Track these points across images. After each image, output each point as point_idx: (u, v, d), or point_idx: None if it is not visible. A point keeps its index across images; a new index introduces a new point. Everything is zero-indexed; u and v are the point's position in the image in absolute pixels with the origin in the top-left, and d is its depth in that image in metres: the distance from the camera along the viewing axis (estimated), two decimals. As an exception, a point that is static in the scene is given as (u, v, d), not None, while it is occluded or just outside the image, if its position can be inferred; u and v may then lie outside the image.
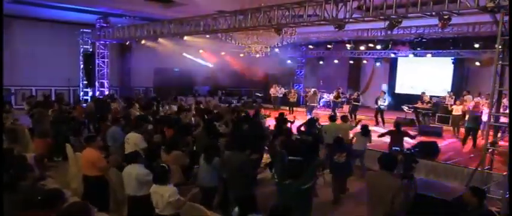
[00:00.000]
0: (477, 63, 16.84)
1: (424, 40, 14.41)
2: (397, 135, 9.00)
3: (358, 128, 9.51)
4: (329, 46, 18.35)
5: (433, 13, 7.26)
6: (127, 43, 16.70)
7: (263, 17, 10.12)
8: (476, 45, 15.22)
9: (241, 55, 20.37)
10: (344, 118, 9.98)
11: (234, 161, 5.78)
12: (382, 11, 7.87)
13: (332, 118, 9.80)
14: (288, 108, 18.91)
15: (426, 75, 19.06)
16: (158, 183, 4.90)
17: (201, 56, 20.46)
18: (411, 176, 5.09)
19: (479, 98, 13.89)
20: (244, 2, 11.11)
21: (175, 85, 20.59)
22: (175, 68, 21.26)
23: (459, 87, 17.20)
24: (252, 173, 5.82)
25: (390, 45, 16.65)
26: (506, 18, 6.40)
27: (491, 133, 7.77)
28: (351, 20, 8.50)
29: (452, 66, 18.13)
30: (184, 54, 19.43)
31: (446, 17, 7.17)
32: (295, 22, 9.59)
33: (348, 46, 17.78)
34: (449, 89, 17.52)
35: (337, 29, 9.19)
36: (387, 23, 8.40)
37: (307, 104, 17.63)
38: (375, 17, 8.10)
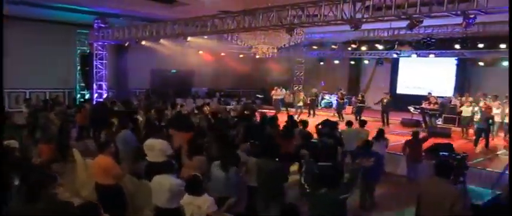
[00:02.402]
0: (481, 64, 16.88)
1: (433, 40, 14.35)
2: (416, 145, 8.85)
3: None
4: (334, 47, 18.18)
5: (458, 12, 7.09)
6: (126, 44, 16.29)
7: (274, 17, 9.88)
8: (480, 45, 15.21)
9: (241, 56, 20.25)
10: (362, 123, 9.77)
11: (265, 169, 5.49)
12: (404, 10, 7.68)
13: (349, 123, 9.57)
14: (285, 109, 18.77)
15: (428, 76, 19.07)
16: (192, 193, 4.61)
17: (200, 57, 20.12)
18: (463, 182, 4.88)
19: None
20: (249, 2, 10.88)
21: (173, 87, 20.25)
22: (172, 69, 20.94)
23: (462, 88, 17.17)
24: (285, 180, 5.54)
25: (396, 46, 16.57)
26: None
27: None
28: (369, 19, 8.29)
29: (455, 66, 18.13)
30: (182, 54, 19.08)
31: (472, 16, 7.00)
32: (310, 22, 9.36)
33: (353, 46, 17.64)
34: (452, 90, 17.53)
35: (353, 29, 8.98)
36: (407, 22, 8.21)
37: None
38: (396, 16, 7.90)
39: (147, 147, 7.07)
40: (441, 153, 6.44)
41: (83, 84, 17.76)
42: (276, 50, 14.11)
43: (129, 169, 7.05)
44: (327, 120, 9.85)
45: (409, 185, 8.50)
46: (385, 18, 8.17)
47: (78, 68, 17.69)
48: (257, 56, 15.81)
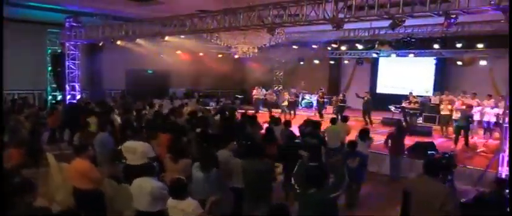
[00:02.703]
0: (459, 63, 17.38)
1: (413, 40, 14.71)
2: (398, 138, 9.04)
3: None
4: (314, 46, 18.33)
5: (441, 12, 7.25)
6: (100, 43, 15.98)
7: (256, 17, 9.87)
8: (459, 45, 15.65)
9: (220, 55, 20.21)
10: (344, 118, 9.93)
11: (251, 169, 5.50)
12: (387, 9, 7.81)
13: (333, 120, 9.69)
14: (266, 109, 18.92)
15: (408, 75, 19.48)
16: (176, 197, 4.56)
17: (177, 57, 19.95)
18: (451, 180, 5.00)
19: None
20: (228, 1, 10.86)
21: (149, 87, 19.99)
22: (148, 69, 20.71)
23: (441, 87, 17.61)
24: (273, 180, 5.59)
25: (377, 45, 16.87)
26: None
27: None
28: (352, 19, 8.40)
29: (433, 66, 18.61)
30: (159, 54, 18.90)
31: (454, 16, 7.18)
32: (292, 21, 9.39)
33: (334, 46, 17.86)
34: (432, 89, 17.98)
35: (335, 29, 9.06)
36: (388, 22, 8.35)
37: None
38: (379, 16, 8.02)
39: (127, 150, 6.96)
40: (429, 151, 6.57)
41: (54, 85, 17.32)
42: (256, 50, 14.14)
43: (107, 172, 6.96)
44: (310, 120, 9.94)
45: (393, 184, 8.70)
46: (368, 18, 8.27)
47: (49, 68, 17.24)
48: (236, 56, 15.84)
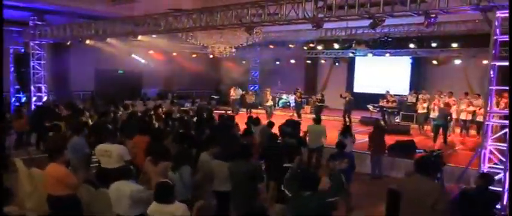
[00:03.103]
0: (434, 62, 17.93)
1: (389, 39, 15.09)
2: (379, 136, 9.27)
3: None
4: (291, 46, 18.48)
5: (420, 12, 7.48)
6: (68, 43, 15.60)
7: (233, 16, 9.89)
8: (434, 45, 16.15)
9: (194, 55, 20.12)
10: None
11: (238, 172, 5.54)
12: (367, 9, 7.99)
13: (316, 120, 9.81)
14: (245, 110, 19.03)
15: (384, 74, 19.90)
16: (163, 201, 4.52)
17: (149, 57, 19.73)
18: (441, 178, 5.17)
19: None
20: (202, 1, 10.86)
21: (120, 88, 19.68)
22: (119, 69, 20.40)
23: (417, 86, 18.11)
24: (261, 180, 5.64)
25: (353, 45, 17.17)
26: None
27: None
28: (332, 18, 8.55)
29: (409, 65, 19.12)
30: (130, 54, 18.65)
31: (433, 15, 7.42)
32: (271, 21, 9.46)
33: (311, 45, 18.07)
34: (408, 88, 18.47)
35: (315, 28, 9.19)
36: (365, 21, 8.57)
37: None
38: (359, 16, 8.19)
39: (102, 153, 6.89)
40: (418, 150, 6.78)
41: (18, 87, 16.80)
42: (233, 50, 14.16)
43: (83, 177, 6.85)
44: (291, 120, 10.05)
45: (376, 182, 8.92)
46: (348, 17, 8.44)
47: (12, 69, 16.72)
48: (210, 56, 15.82)
